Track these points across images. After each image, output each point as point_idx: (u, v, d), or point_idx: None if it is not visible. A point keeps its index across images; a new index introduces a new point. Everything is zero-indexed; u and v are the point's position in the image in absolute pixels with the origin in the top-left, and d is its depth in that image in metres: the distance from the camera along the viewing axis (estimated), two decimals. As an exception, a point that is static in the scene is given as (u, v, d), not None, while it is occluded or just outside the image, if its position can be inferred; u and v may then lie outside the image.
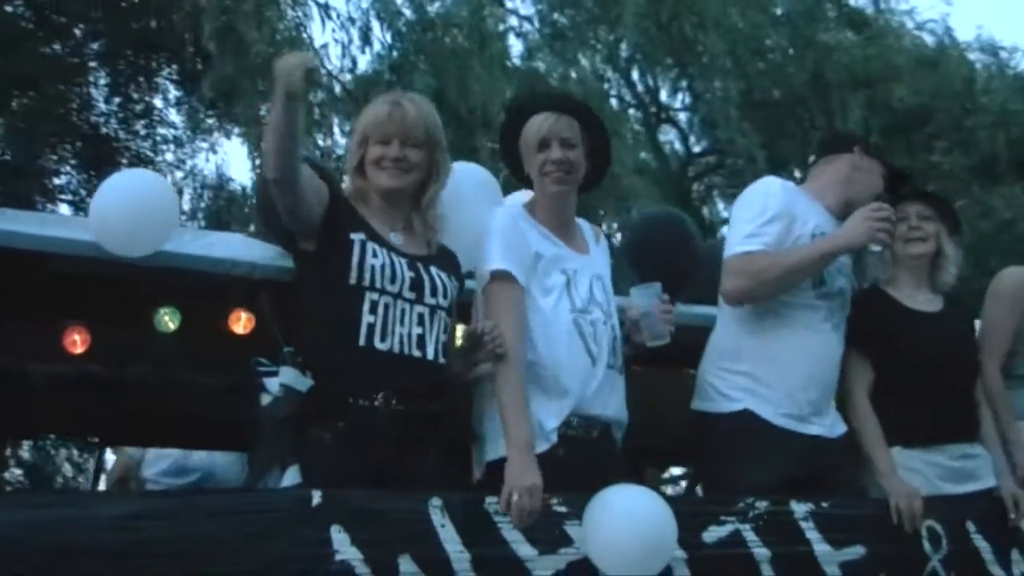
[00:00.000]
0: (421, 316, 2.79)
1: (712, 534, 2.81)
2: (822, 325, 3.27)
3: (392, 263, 2.80)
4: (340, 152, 10.28)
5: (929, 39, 11.89)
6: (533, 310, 2.96)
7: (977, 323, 3.72)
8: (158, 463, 4.98)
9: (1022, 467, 3.42)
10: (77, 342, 3.49)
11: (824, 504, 2.99)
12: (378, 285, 2.75)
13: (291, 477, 2.50)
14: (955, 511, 3.18)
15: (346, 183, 3.06)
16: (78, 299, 3.25)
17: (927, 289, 3.55)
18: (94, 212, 2.68)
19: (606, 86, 11.95)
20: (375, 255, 2.79)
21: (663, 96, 13.02)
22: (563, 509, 2.67)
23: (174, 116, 11.41)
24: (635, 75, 12.59)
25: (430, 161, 2.97)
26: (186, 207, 10.99)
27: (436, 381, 2.80)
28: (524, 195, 3.26)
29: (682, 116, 13.23)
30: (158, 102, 11.31)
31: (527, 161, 3.12)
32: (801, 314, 3.24)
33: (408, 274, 2.81)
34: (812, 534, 2.94)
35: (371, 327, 2.70)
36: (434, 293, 2.84)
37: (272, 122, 2.63)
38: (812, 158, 3.66)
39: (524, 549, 2.58)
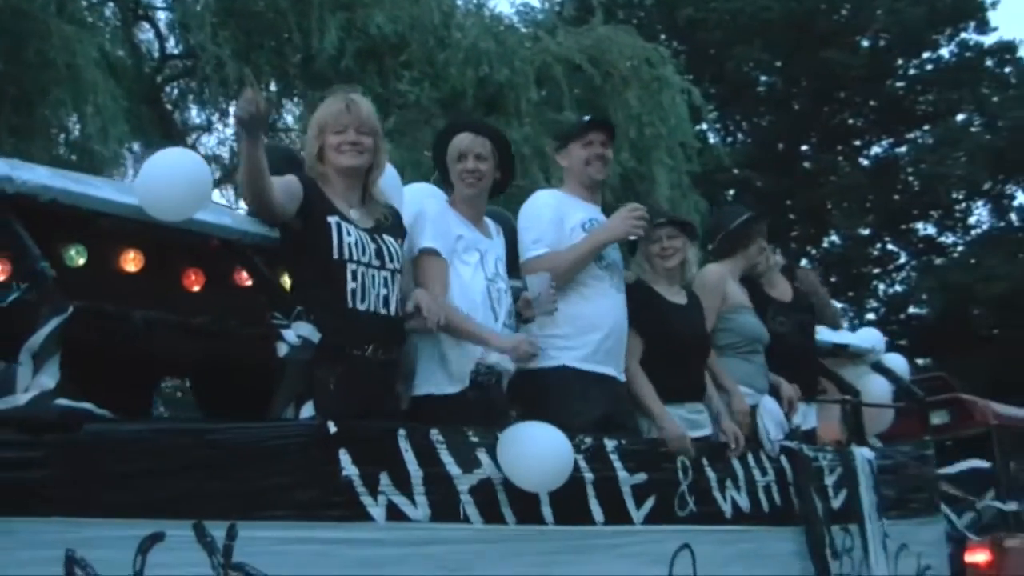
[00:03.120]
0: (386, 279, 3.53)
1: (561, 461, 3.87)
2: (609, 289, 4.38)
3: (360, 239, 3.51)
4: None
5: (417, -30, 11.85)
6: (454, 277, 3.82)
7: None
8: None
9: (737, 409, 4.79)
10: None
11: (623, 441, 4.14)
12: (355, 257, 3.47)
13: (307, 410, 3.18)
14: (696, 450, 4.50)
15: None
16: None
17: (677, 286, 4.81)
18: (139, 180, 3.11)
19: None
20: (348, 233, 3.50)
21: (143, -7, 12.55)
22: (476, 440, 3.57)
23: None
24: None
25: (375, 147, 3.68)
26: None
27: (399, 333, 3.59)
28: (423, 186, 4.08)
29: (161, 16, 12.88)
30: None
31: (450, 169, 4.00)
32: (593, 283, 4.33)
33: (372, 246, 3.54)
34: (617, 463, 4.06)
35: (354, 291, 3.43)
36: (391, 259, 3.58)
37: (244, 163, 3.27)
38: None
39: (453, 469, 3.47)
